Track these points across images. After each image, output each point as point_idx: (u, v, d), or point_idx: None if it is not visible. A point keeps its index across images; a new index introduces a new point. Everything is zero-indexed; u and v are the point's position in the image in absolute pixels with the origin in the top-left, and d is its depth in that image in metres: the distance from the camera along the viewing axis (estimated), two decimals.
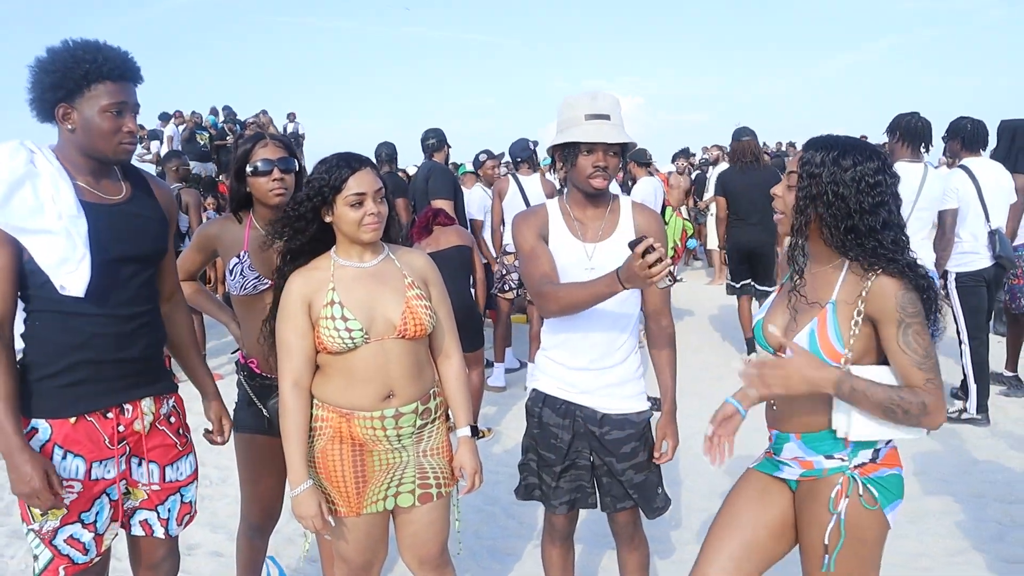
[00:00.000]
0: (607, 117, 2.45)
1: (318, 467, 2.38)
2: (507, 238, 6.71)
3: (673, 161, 13.10)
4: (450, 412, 2.56)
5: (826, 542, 2.04)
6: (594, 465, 2.67)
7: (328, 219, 2.33)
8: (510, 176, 6.83)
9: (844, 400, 1.97)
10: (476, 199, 7.38)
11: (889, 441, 2.11)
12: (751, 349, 7.12)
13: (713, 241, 11.12)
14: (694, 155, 15.40)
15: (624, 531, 2.76)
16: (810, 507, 2.11)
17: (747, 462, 2.42)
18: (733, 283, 7.33)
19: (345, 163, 2.28)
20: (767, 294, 6.83)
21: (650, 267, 2.04)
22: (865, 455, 2.09)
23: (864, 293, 1.99)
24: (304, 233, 2.34)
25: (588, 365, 2.60)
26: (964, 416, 5.43)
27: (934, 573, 3.60)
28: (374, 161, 2.41)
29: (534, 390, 2.72)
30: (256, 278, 2.78)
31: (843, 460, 2.09)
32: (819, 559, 2.06)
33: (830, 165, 1.96)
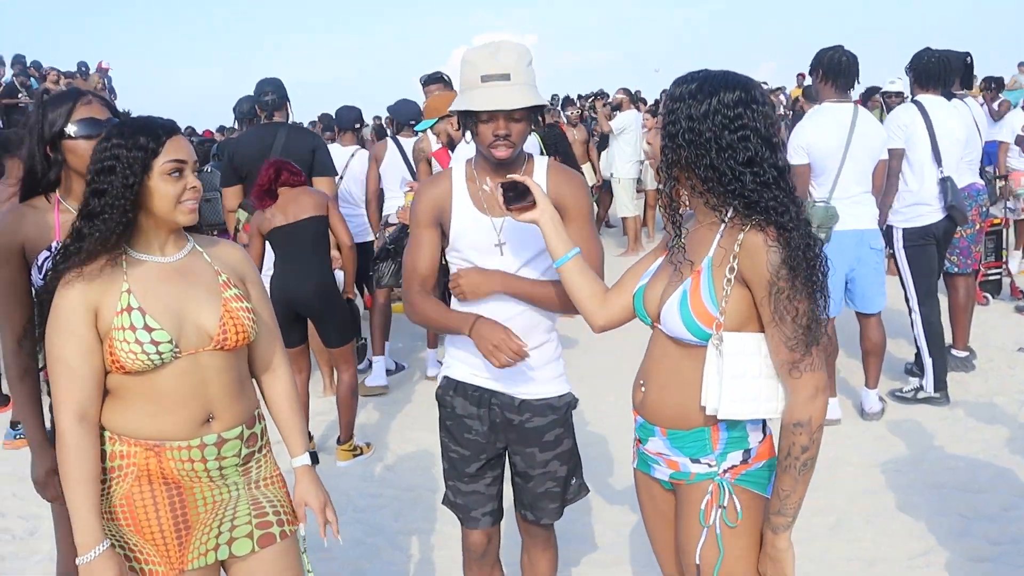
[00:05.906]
0: (507, 77, 2.31)
1: (122, 519, 2.05)
2: (387, 208, 5.94)
3: (563, 109, 11.69)
4: (283, 439, 2.29)
5: (697, 561, 1.96)
6: (514, 466, 2.59)
7: None
8: (388, 140, 6.23)
9: None
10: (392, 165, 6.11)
11: (763, 437, 1.99)
12: None
13: (627, 208, 10.30)
14: (603, 97, 12.82)
15: (539, 533, 2.67)
16: (683, 515, 2.01)
17: None
18: None
19: (148, 127, 1.99)
20: None
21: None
22: (735, 457, 1.96)
23: (736, 248, 1.88)
24: (120, 225, 1.97)
25: None
26: (921, 395, 5.02)
27: None
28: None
29: (445, 377, 2.62)
30: None
31: (711, 465, 1.97)
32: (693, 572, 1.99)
33: (687, 99, 1.90)
